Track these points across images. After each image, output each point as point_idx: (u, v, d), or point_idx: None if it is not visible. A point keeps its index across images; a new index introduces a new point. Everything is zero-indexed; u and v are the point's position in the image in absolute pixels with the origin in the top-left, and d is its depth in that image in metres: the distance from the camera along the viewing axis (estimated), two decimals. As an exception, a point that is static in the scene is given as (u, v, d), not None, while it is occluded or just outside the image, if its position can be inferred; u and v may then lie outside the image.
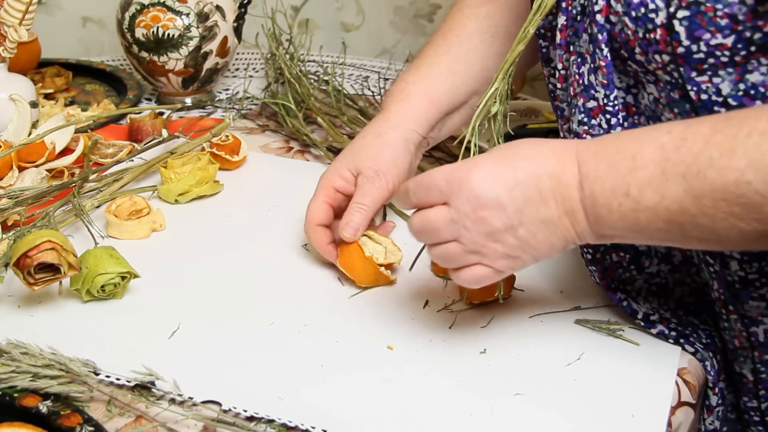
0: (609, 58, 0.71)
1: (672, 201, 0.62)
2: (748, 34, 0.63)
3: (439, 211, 0.69)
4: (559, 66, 0.80)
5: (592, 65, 0.74)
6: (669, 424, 0.72)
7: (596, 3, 0.71)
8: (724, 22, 0.63)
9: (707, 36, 0.64)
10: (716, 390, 0.80)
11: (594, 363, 0.77)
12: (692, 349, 0.79)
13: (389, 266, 0.88)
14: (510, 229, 0.67)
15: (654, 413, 0.72)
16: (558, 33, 0.77)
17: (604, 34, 0.71)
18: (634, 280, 0.80)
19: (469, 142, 0.77)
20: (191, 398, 0.71)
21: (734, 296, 0.76)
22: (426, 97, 0.93)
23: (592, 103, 0.75)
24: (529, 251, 0.68)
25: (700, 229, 0.62)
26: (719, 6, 0.63)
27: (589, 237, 0.68)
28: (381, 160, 0.89)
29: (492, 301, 0.84)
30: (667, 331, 0.79)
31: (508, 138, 0.75)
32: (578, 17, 0.74)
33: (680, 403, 0.75)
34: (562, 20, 0.76)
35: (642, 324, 0.80)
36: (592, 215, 0.66)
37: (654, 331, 0.79)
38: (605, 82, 0.73)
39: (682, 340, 0.79)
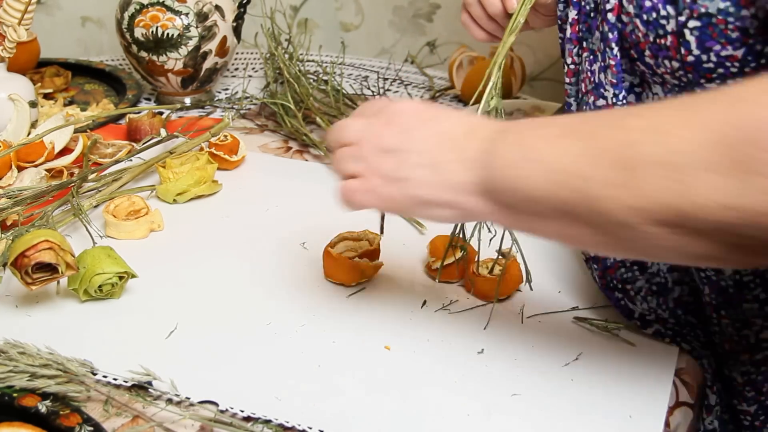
0: (618, 57, 0.71)
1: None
2: (759, 47, 0.63)
3: (359, 117, 0.68)
4: (569, 60, 0.79)
5: (602, 63, 0.73)
6: (667, 424, 0.72)
7: (608, 1, 0.71)
8: (735, 35, 0.63)
9: (717, 47, 0.64)
10: (714, 389, 0.80)
11: (592, 363, 0.77)
12: (689, 347, 0.79)
13: (369, 254, 0.88)
14: (398, 152, 0.64)
15: (652, 414, 0.72)
16: (568, 26, 0.77)
17: (615, 33, 0.71)
18: (635, 279, 0.80)
19: None
20: (188, 398, 0.71)
21: (727, 301, 0.76)
22: None
23: (601, 102, 0.75)
24: (406, 180, 0.64)
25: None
26: (731, 19, 0.63)
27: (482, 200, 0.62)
28: None
29: (505, 299, 0.85)
30: (663, 330, 0.79)
31: None
32: (591, 14, 0.74)
33: (678, 404, 0.75)
34: (573, 14, 0.76)
35: (638, 324, 0.80)
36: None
37: (650, 330, 0.79)
38: (614, 81, 0.73)
39: (678, 339, 0.79)
